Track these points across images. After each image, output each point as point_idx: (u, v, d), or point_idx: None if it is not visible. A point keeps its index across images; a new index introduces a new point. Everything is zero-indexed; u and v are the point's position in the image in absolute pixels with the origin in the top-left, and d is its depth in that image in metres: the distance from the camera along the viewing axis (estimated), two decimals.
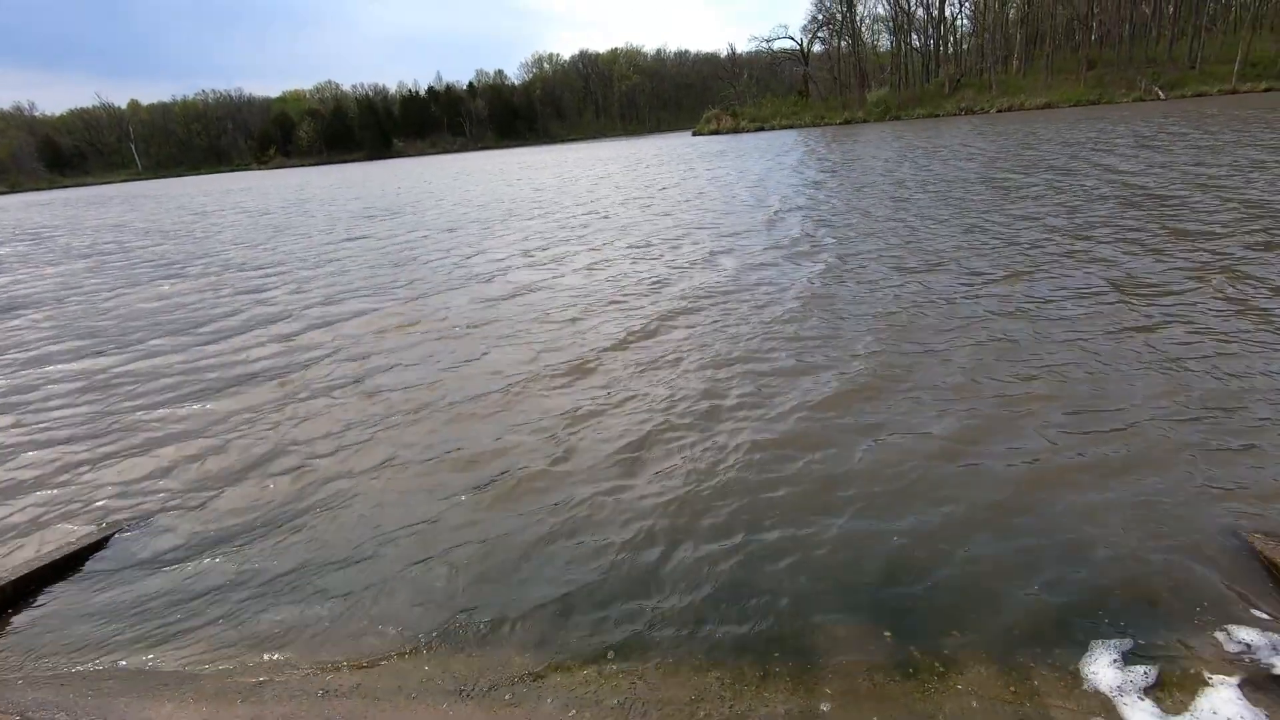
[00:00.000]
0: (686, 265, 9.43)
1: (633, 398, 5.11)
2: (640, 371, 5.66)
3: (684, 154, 38.64)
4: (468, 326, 7.44)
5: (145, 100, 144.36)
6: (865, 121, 62.11)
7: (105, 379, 6.74)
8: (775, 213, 13.06)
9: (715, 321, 6.82)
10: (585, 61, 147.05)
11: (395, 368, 6.35)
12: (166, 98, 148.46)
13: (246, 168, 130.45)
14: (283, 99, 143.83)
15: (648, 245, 11.04)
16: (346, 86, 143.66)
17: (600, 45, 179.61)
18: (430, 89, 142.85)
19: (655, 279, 8.79)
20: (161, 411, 5.79)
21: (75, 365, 7.30)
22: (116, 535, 3.87)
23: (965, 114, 57.02)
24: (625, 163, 35.10)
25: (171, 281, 11.65)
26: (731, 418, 4.64)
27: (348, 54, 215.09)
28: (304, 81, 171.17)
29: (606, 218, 14.80)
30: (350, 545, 3.57)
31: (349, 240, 14.85)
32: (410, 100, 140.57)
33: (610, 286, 8.64)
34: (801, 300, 7.24)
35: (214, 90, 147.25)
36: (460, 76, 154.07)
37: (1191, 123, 23.96)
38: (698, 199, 16.68)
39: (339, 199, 28.46)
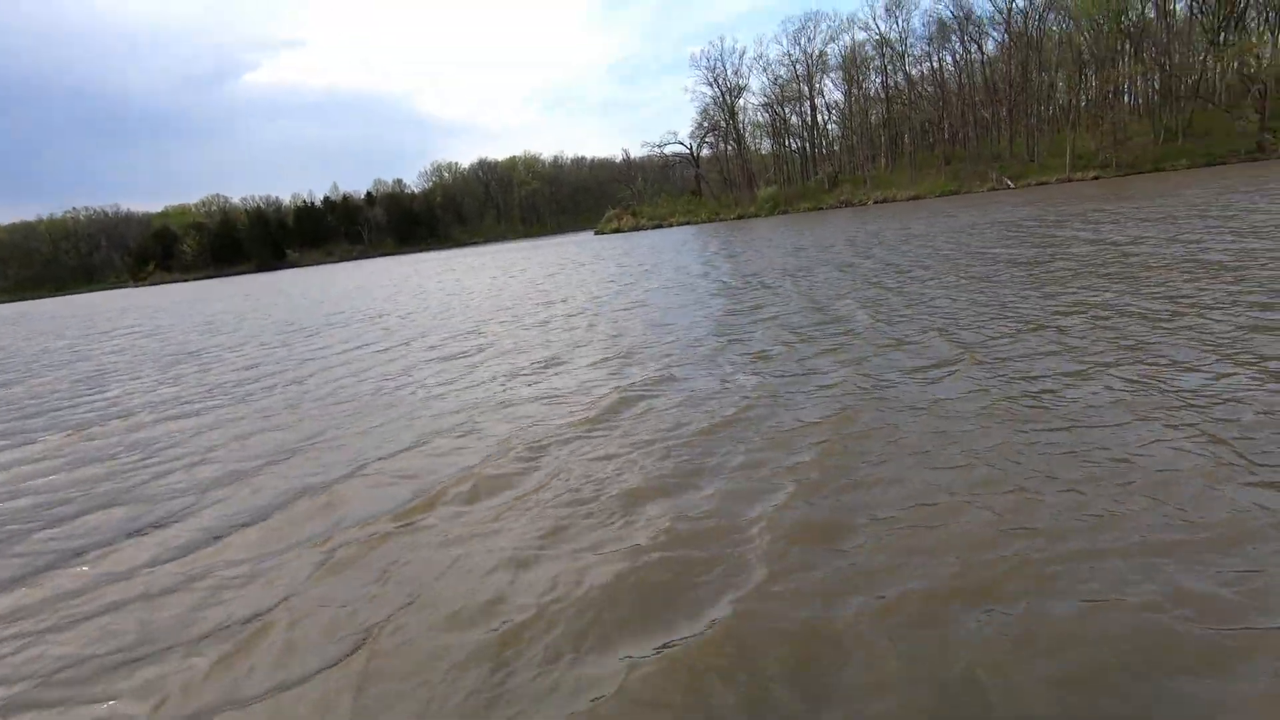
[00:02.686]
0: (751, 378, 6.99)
1: None
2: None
3: (604, 251, 38.84)
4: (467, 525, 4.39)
5: (8, 219, 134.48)
6: (757, 216, 65.99)
7: None
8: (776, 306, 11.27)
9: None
10: (485, 169, 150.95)
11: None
12: (32, 216, 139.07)
13: (123, 285, 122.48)
14: (165, 214, 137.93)
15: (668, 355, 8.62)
16: (236, 199, 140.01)
17: (499, 154, 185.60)
18: (326, 199, 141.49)
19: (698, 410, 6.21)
20: None
21: None
22: None
23: (845, 206, 61.75)
24: (550, 264, 34.46)
25: None
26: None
27: (240, 168, 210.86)
28: (190, 196, 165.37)
29: (585, 324, 12.32)
30: None
31: (243, 375, 11.34)
32: (305, 211, 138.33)
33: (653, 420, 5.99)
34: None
35: (87, 208, 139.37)
36: (358, 186, 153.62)
37: (1089, 204, 26.30)
38: (674, 292, 15.07)
39: (208, 314, 26.41)
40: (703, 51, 77.72)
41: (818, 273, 15.14)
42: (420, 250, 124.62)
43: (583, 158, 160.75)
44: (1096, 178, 51.47)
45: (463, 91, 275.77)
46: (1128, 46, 58.31)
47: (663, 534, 3.85)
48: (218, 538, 4.62)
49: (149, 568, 4.32)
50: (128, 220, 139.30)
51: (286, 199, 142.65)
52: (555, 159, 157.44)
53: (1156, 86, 57.42)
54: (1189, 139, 52.99)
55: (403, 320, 16.29)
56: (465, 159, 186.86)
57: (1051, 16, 62.00)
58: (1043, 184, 53.11)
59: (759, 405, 5.98)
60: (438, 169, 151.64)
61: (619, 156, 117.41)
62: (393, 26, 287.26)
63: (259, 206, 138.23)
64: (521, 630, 3.12)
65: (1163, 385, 5.19)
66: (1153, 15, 58.10)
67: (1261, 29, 55.63)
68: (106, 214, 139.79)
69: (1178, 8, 58.34)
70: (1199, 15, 56.63)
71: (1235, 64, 53.26)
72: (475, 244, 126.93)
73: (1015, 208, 29.37)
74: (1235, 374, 5.20)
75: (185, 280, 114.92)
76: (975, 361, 6.47)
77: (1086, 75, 60.97)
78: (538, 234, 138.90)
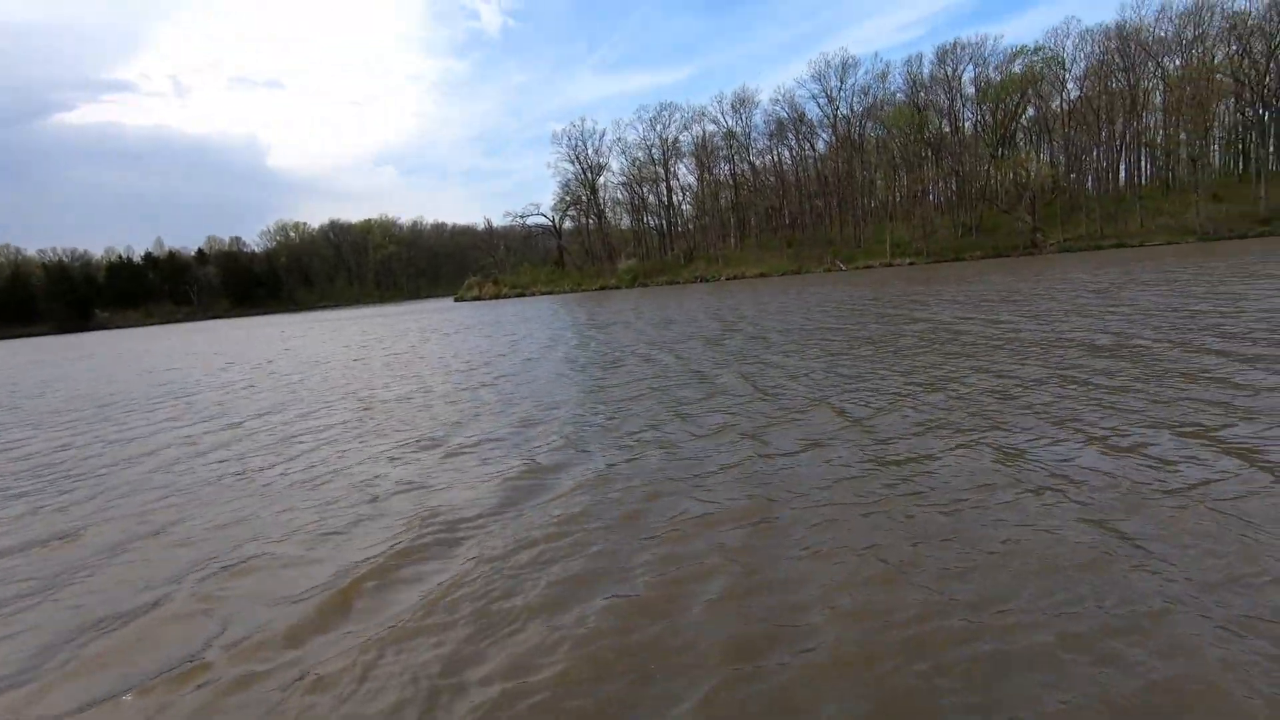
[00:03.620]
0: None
1: None
2: None
3: (473, 320, 38.06)
4: None
5: None
6: (618, 288, 68.07)
7: None
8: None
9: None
10: (337, 231, 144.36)
11: None
12: None
13: None
14: None
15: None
16: (31, 251, 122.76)
17: (353, 215, 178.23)
18: (148, 254, 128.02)
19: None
20: None
21: None
22: None
23: (700, 281, 65.44)
24: (417, 331, 33.18)
25: None
26: None
27: (41, 217, 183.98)
28: None
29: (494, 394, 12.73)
30: None
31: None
32: (120, 267, 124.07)
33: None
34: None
35: None
36: (190, 242, 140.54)
37: (931, 286, 29.38)
38: (571, 365, 14.33)
39: None
40: (564, 130, 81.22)
41: (728, 344, 15.06)
42: (260, 313, 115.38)
43: (443, 224, 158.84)
44: (912, 263, 58.60)
45: (314, 151, 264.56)
46: (930, 154, 68.09)
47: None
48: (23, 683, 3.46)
49: None
50: None
51: (99, 253, 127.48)
52: (414, 224, 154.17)
53: (954, 189, 67.21)
54: (980, 234, 62.15)
55: (258, 390, 14.62)
56: (316, 219, 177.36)
57: (869, 124, 71.25)
58: (869, 267, 59.56)
59: (667, 492, 5.52)
60: (283, 228, 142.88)
61: (481, 224, 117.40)
62: (236, 74, 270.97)
63: (61, 260, 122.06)
64: None
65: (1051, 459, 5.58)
66: (948, 130, 68.64)
67: (1028, 147, 67.39)
68: None
69: (965, 125, 69.46)
70: (982, 132, 67.72)
71: (1011, 174, 63.81)
72: (324, 308, 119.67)
73: (862, 287, 32.44)
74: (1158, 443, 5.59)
75: None
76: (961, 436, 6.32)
77: (899, 175, 70.19)
78: (394, 299, 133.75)
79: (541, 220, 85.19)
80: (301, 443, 8.74)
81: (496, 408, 9.94)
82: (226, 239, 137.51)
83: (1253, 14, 56.45)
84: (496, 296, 74.04)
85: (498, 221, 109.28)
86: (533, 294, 72.33)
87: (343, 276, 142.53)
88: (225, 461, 8.15)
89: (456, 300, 78.18)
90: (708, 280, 65.36)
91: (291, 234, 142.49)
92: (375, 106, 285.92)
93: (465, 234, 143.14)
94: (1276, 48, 56.03)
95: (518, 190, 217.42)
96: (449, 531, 5.09)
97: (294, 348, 27.70)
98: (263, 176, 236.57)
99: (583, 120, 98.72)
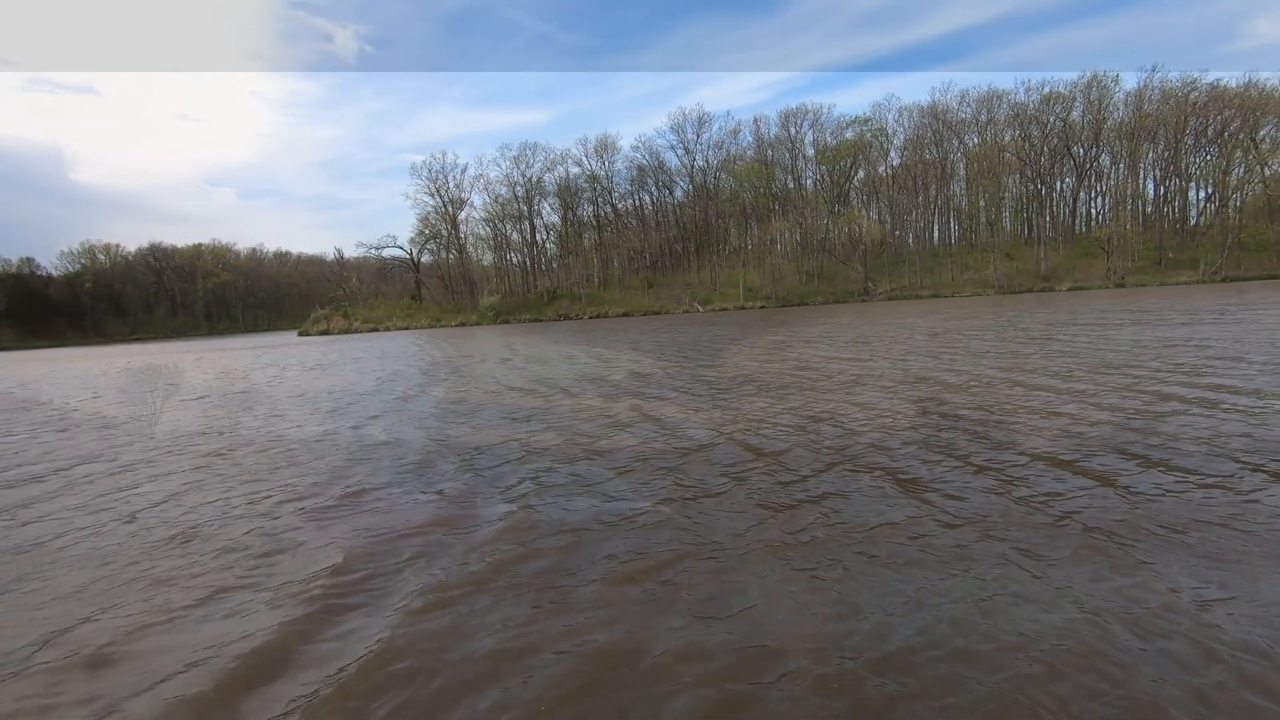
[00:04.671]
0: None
1: None
2: None
3: (331, 359, 35.12)
4: None
5: None
6: (479, 324, 66.55)
7: None
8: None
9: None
10: (158, 255, 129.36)
11: None
12: None
13: None
14: None
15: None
16: None
17: (180, 240, 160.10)
18: None
19: None
20: None
21: None
22: None
23: (564, 319, 65.61)
24: (268, 366, 29.98)
25: None
26: None
27: None
28: None
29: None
30: None
31: None
32: None
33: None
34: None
35: None
36: None
37: (791, 327, 30.92)
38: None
39: None
40: (425, 162, 78.97)
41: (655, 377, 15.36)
42: (58, 345, 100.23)
43: (287, 252, 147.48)
44: (763, 306, 62.52)
45: (134, 168, 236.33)
46: (777, 207, 73.73)
47: None
48: None
49: None
50: None
51: None
52: (254, 251, 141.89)
53: (798, 239, 73.00)
54: (821, 281, 67.79)
55: (74, 432, 12.38)
56: (134, 242, 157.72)
57: (723, 176, 76.00)
58: (724, 309, 62.76)
59: (586, 539, 5.28)
60: (89, 250, 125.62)
61: (331, 254, 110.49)
62: (36, 75, 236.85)
63: None
64: None
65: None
66: (792, 186, 74.82)
67: (860, 206, 74.96)
68: None
69: (807, 183, 76.11)
70: (821, 189, 74.51)
71: (846, 229, 70.48)
72: (140, 340, 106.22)
73: (731, 327, 33.66)
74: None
75: None
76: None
77: (751, 225, 75.19)
78: (227, 332, 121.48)
79: (398, 253, 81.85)
80: (144, 499, 7.13)
81: (373, 452, 8.66)
82: (15, 260, 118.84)
83: (1030, 106, 67.24)
84: (347, 331, 69.64)
85: (350, 252, 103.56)
86: (387, 329, 68.82)
87: (164, 306, 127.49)
88: (44, 522, 6.82)
89: (301, 335, 72.47)
90: (571, 318, 65.67)
91: (101, 257, 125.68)
92: (210, 123, 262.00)
93: (313, 264, 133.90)
94: (1048, 134, 66.98)
95: (372, 220, 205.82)
96: (340, 600, 4.19)
97: (116, 382, 24.16)
98: (66, 191, 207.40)
99: (444, 153, 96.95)
